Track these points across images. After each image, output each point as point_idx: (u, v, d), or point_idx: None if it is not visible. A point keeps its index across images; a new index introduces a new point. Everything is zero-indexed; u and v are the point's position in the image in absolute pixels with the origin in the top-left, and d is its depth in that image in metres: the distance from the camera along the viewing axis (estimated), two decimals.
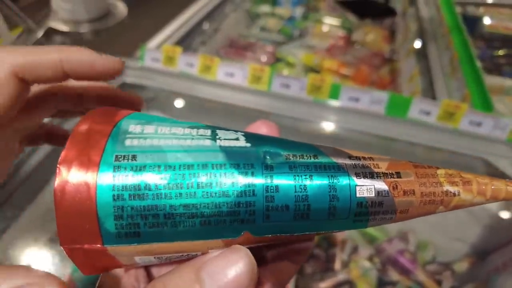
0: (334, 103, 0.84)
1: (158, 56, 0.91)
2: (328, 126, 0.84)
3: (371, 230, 0.96)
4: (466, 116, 0.79)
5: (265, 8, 1.65)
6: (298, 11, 1.65)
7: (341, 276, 0.83)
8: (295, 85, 0.85)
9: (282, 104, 0.86)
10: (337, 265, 0.89)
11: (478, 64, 1.05)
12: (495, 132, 0.79)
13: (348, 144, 0.91)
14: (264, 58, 1.47)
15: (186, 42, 1.26)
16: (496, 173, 0.80)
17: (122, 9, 1.00)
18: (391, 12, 1.31)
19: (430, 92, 1.07)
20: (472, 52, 1.10)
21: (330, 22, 1.64)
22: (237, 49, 1.51)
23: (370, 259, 0.89)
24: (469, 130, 0.80)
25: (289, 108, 0.85)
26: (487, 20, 1.53)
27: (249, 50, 1.51)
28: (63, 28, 0.90)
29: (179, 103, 0.94)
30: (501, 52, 1.44)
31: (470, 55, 1.09)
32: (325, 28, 1.59)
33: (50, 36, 0.90)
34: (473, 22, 1.56)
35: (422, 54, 1.25)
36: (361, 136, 0.84)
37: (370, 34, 1.59)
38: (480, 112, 0.78)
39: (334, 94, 0.83)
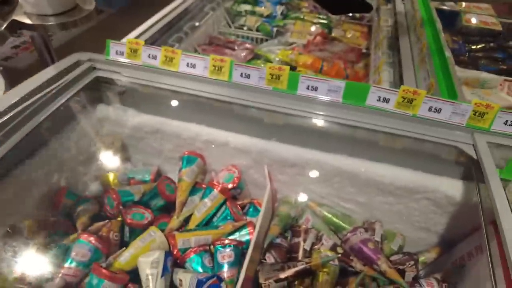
0: (293, 92, 0.82)
1: (122, 50, 0.90)
2: (287, 115, 0.82)
3: (337, 219, 0.93)
4: (426, 103, 0.76)
5: (245, 7, 1.63)
6: (279, 10, 1.63)
7: (301, 266, 0.81)
8: (254, 75, 0.83)
9: (243, 93, 0.84)
10: (300, 255, 0.86)
11: (448, 54, 1.02)
12: (454, 118, 0.76)
13: (306, 133, 0.89)
14: (243, 54, 1.45)
15: (161, 39, 1.25)
16: (458, 157, 0.77)
17: (91, 3, 0.99)
18: (366, 8, 1.29)
19: (399, 83, 1.04)
20: (442, 43, 1.07)
21: (310, 20, 1.63)
22: (216, 46, 1.49)
23: (333, 249, 0.86)
24: (429, 117, 0.77)
25: (249, 98, 0.83)
26: (465, 16, 1.50)
27: (228, 47, 1.49)
28: (27, 21, 0.90)
29: (144, 94, 0.93)
30: (478, 47, 1.41)
31: (440, 46, 1.06)
32: (304, 26, 1.57)
33: (14, 28, 0.89)
34: (451, 17, 1.53)
35: (395, 47, 1.23)
36: (321, 123, 0.82)
37: (350, 31, 1.57)
38: (439, 98, 0.76)
39: (293, 84, 0.81)
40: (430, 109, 0.76)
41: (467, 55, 1.39)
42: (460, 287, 0.84)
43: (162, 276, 0.71)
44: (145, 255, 0.74)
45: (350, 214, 0.95)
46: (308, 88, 0.80)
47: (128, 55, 0.90)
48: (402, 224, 0.93)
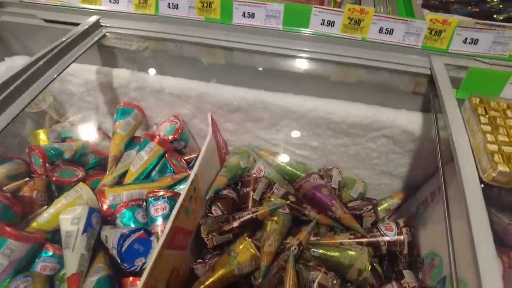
0: (228, 21, 0.71)
1: None
2: (225, 49, 0.72)
3: (290, 168, 0.84)
4: (376, 23, 0.66)
5: None
6: None
7: (247, 216, 0.72)
8: (183, 4, 0.72)
9: (172, 27, 0.73)
10: (249, 205, 0.78)
11: None
12: (409, 38, 0.66)
13: (247, 70, 0.79)
14: None
15: None
16: (415, 85, 0.68)
17: None
18: None
19: None
20: None
21: None
22: None
23: (285, 197, 0.77)
24: (380, 39, 0.67)
25: (179, 31, 0.72)
26: None
27: None
28: None
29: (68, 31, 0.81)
30: None
31: None
32: None
33: None
34: None
35: None
36: (262, 57, 0.71)
37: None
38: (390, 16, 0.65)
39: (227, 12, 0.70)
40: (381, 30, 0.67)
41: (439, 1, 1.28)
42: (422, 229, 0.77)
43: (83, 233, 0.62)
44: (66, 212, 0.65)
45: (305, 162, 0.86)
46: (244, 16, 0.70)
47: None
48: (362, 170, 0.84)
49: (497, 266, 0.38)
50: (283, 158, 0.85)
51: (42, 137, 0.85)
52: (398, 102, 0.71)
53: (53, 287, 0.61)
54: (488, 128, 0.49)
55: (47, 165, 0.76)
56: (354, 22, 0.66)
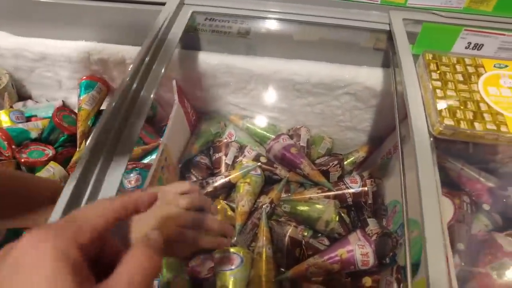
0: None
1: None
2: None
3: (260, 130, 0.85)
4: None
5: None
6: None
7: (221, 180, 0.74)
8: None
9: None
10: (222, 169, 0.79)
11: None
12: None
13: (202, 30, 0.73)
14: None
15: None
16: (375, 42, 0.68)
17: None
18: None
19: None
20: None
21: None
22: None
23: (257, 159, 0.79)
24: None
25: None
26: None
27: None
28: None
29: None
30: None
31: None
32: None
33: None
34: None
35: None
36: (219, 22, 0.69)
37: None
38: None
39: None
40: None
41: None
42: (386, 179, 0.82)
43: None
44: None
45: (275, 123, 0.87)
46: None
47: None
48: (329, 127, 0.86)
49: (437, 208, 0.41)
50: (253, 122, 0.86)
51: (4, 118, 0.82)
52: (359, 60, 0.71)
53: None
54: (439, 83, 0.50)
55: (13, 147, 0.74)
56: None
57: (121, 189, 0.70)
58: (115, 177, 0.45)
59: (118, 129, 0.48)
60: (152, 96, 0.53)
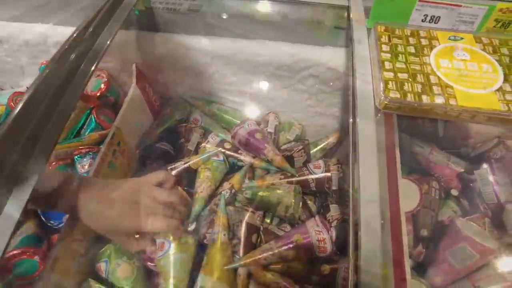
0: None
1: None
2: None
3: (227, 116, 0.83)
4: None
5: None
6: None
7: (181, 166, 0.72)
8: None
9: None
10: (185, 155, 0.77)
11: None
12: None
13: (159, 9, 0.71)
14: None
15: None
16: (337, 20, 0.65)
17: None
18: None
19: None
20: None
21: None
22: None
23: (221, 145, 0.77)
24: None
25: None
26: None
27: None
28: None
29: None
30: None
31: None
32: None
33: None
34: None
35: None
36: None
37: None
38: None
39: None
40: None
41: None
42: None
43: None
44: None
45: (243, 109, 0.85)
46: None
47: None
48: (298, 113, 0.84)
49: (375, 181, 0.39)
50: (219, 107, 0.83)
51: None
52: (322, 40, 0.69)
53: None
54: (388, 56, 0.48)
55: None
56: None
57: (74, 174, 0.68)
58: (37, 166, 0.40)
59: (48, 106, 0.45)
60: (93, 68, 0.50)
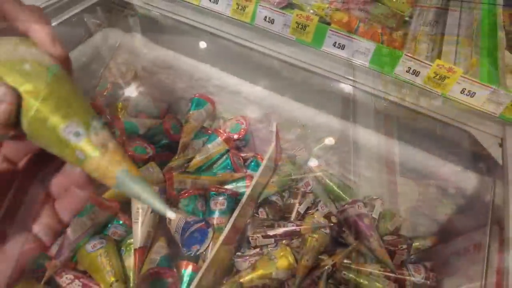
0: (318, 47, 0.75)
1: None
2: (308, 71, 0.76)
3: (337, 189, 0.90)
4: (460, 83, 0.68)
5: None
6: None
7: (292, 227, 0.79)
8: (279, 21, 0.75)
9: (263, 39, 0.77)
10: (293, 216, 0.85)
11: (501, 34, 0.91)
12: (487, 106, 0.68)
13: (324, 94, 0.82)
14: (276, 0, 1.34)
15: None
16: (482, 149, 0.70)
17: None
18: None
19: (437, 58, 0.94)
20: (497, 21, 0.95)
21: None
22: None
23: (328, 217, 0.83)
24: (459, 99, 0.70)
25: (269, 45, 0.77)
26: None
27: None
28: None
29: (161, 25, 0.87)
30: None
31: (494, 23, 0.94)
32: None
33: None
34: None
35: (441, 18, 1.10)
36: (341, 87, 0.75)
37: None
38: (475, 80, 0.67)
39: (319, 37, 0.74)
40: (462, 91, 0.69)
41: None
42: (447, 280, 0.82)
43: (152, 212, 0.71)
44: None
45: (352, 186, 0.91)
46: (334, 45, 0.73)
47: None
48: (404, 206, 0.89)
49: None
50: (332, 178, 0.91)
51: (120, 108, 0.94)
52: (458, 159, 0.74)
53: (120, 251, 0.71)
54: None
55: (124, 138, 0.85)
56: (439, 77, 0.68)
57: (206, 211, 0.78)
58: None
59: None
60: None
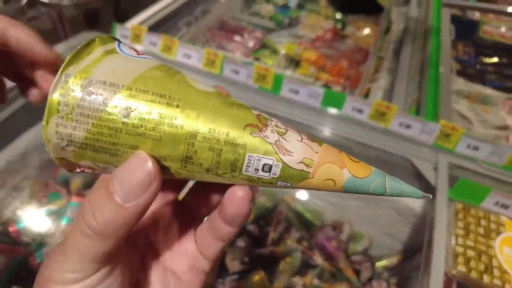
0: (277, 93, 0.92)
1: (127, 34, 1.02)
2: (270, 114, 0.93)
3: (308, 214, 1.05)
4: (396, 118, 0.86)
5: None
6: (294, 0, 1.71)
7: (266, 252, 0.94)
8: (243, 72, 0.94)
9: (231, 88, 0.95)
10: (268, 242, 0.99)
11: (442, 69, 1.10)
12: (421, 136, 0.85)
13: None
14: (251, 44, 1.55)
15: (171, 22, 1.37)
16: (415, 174, 0.87)
17: None
18: (377, 8, 1.36)
19: (390, 92, 1.12)
20: (440, 56, 1.14)
21: (325, 14, 1.69)
22: (226, 31, 1.59)
23: (299, 241, 0.98)
24: (399, 131, 0.87)
25: (236, 92, 0.94)
26: (484, 27, 1.53)
27: (238, 33, 1.59)
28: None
29: None
30: (490, 60, 1.45)
31: (437, 59, 1.13)
32: (317, 20, 1.65)
33: (33, 5, 1.03)
34: (469, 27, 1.57)
35: (398, 52, 1.30)
36: (300, 128, 0.92)
37: (363, 29, 1.63)
38: (409, 115, 0.85)
39: (277, 85, 0.91)
40: (400, 124, 0.86)
41: (474, 68, 1.43)
42: None
43: None
44: None
45: (322, 212, 1.07)
46: (290, 91, 0.91)
47: (132, 39, 1.03)
48: (369, 228, 1.04)
49: None
50: (303, 206, 1.06)
51: None
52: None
53: None
54: (462, 232, 0.68)
55: None
56: (380, 113, 0.86)
57: None
58: None
59: None
60: None
